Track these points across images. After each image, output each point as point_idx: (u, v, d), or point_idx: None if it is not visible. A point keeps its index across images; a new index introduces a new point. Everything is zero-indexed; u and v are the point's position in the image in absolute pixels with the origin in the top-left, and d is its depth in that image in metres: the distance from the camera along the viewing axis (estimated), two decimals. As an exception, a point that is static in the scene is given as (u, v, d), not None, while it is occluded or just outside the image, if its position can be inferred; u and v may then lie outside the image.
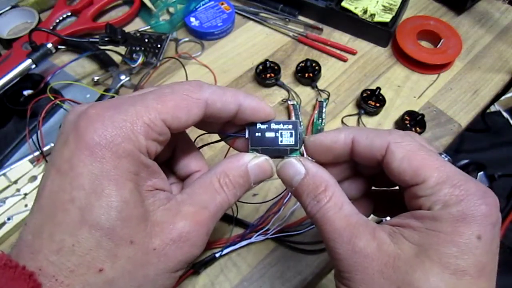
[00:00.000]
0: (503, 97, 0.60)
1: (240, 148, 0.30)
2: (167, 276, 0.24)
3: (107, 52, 0.55)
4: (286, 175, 0.27)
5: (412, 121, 0.50)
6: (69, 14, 0.58)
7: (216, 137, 0.31)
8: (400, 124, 0.51)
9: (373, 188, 0.31)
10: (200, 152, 0.32)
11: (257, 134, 0.28)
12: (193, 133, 0.31)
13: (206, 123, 0.28)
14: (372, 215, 0.31)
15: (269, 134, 0.28)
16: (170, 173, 0.31)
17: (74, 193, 0.21)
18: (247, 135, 0.28)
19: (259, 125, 0.28)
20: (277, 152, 0.28)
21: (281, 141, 0.28)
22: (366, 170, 0.30)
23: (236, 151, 0.30)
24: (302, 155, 0.28)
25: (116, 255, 0.22)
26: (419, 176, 0.23)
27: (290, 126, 0.28)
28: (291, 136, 0.28)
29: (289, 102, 0.51)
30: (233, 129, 0.29)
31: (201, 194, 0.25)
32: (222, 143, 0.31)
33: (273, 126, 0.28)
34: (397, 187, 0.30)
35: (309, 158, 0.28)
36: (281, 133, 0.28)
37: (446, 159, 0.25)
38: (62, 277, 0.20)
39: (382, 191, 0.31)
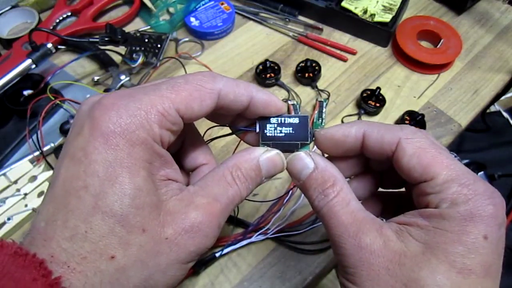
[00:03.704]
0: (503, 97, 0.60)
1: (251, 142, 0.30)
2: (178, 266, 0.24)
3: (107, 52, 0.55)
4: (295, 169, 0.27)
5: (412, 121, 0.50)
6: (69, 14, 0.58)
7: (225, 131, 0.31)
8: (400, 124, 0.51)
9: (380, 189, 0.31)
10: (207, 146, 0.32)
11: (268, 128, 0.28)
12: (201, 127, 0.31)
13: (218, 115, 0.29)
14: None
15: (279, 128, 0.28)
16: (177, 165, 0.31)
17: (88, 180, 0.21)
18: (257, 129, 0.29)
19: (270, 119, 0.28)
20: (288, 146, 0.28)
21: (292, 135, 0.28)
22: (376, 166, 0.30)
23: (248, 144, 0.30)
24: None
25: (128, 243, 0.22)
26: (428, 173, 0.23)
27: (301, 121, 0.28)
28: (301, 130, 0.28)
29: (289, 102, 0.51)
30: (244, 123, 0.30)
31: (214, 186, 0.25)
32: (223, 140, 0.31)
33: (284, 120, 0.28)
34: (403, 189, 0.30)
35: (319, 152, 0.28)
36: (291, 127, 0.28)
37: (457, 158, 0.25)
38: (74, 264, 0.21)
39: (389, 192, 0.31)
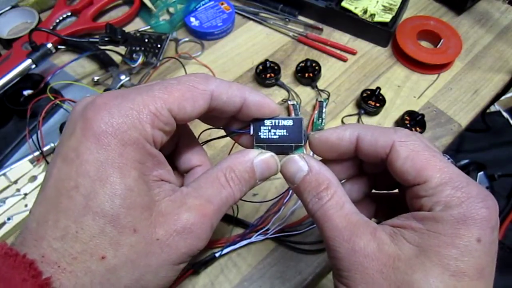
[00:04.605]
0: (503, 97, 0.59)
1: (245, 145, 0.30)
2: (169, 268, 0.24)
3: (107, 52, 0.55)
4: (289, 172, 0.27)
5: (412, 121, 0.50)
6: (69, 14, 0.58)
7: (219, 133, 0.31)
8: (400, 124, 0.51)
9: (373, 191, 0.31)
10: (202, 147, 0.32)
11: (262, 130, 0.28)
12: (197, 129, 0.31)
13: (212, 117, 0.29)
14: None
15: (273, 131, 0.28)
16: (172, 167, 0.31)
17: (79, 180, 0.22)
18: (251, 132, 0.29)
19: (264, 122, 0.28)
20: (282, 148, 0.28)
21: (286, 137, 0.28)
22: (370, 168, 0.30)
23: (242, 147, 0.30)
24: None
25: (119, 243, 0.22)
26: (421, 176, 0.23)
27: (295, 123, 0.28)
28: (296, 132, 0.28)
29: (289, 102, 0.51)
30: (238, 125, 0.30)
31: (207, 188, 0.25)
32: (223, 141, 0.31)
33: (278, 122, 0.28)
34: (396, 190, 0.30)
35: (313, 155, 0.28)
36: (286, 129, 0.28)
37: (450, 161, 0.25)
38: (64, 264, 0.21)
39: (382, 194, 0.31)
